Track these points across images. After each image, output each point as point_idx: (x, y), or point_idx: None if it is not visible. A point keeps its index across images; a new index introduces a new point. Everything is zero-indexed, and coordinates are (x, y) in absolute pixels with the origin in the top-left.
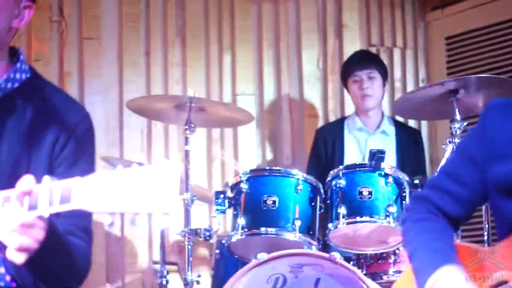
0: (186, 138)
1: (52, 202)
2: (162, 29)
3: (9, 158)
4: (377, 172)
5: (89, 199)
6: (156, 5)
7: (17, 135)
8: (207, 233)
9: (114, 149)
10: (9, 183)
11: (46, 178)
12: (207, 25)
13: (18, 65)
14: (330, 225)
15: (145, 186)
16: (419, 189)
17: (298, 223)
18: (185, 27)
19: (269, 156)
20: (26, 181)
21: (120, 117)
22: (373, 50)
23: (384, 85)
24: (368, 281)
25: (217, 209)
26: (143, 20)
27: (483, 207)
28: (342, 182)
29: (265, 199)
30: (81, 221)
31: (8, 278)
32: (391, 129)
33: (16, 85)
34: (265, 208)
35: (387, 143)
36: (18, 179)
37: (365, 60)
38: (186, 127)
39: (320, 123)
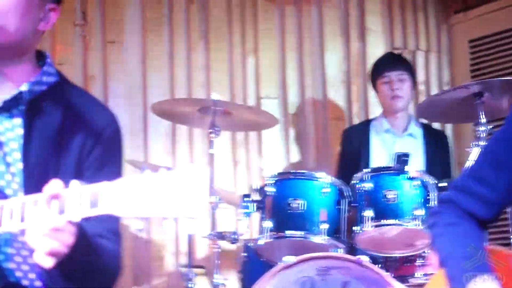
0: (211, 142)
1: (81, 207)
2: (186, 32)
3: (38, 162)
4: (403, 175)
5: (117, 204)
6: (179, 9)
7: (46, 139)
8: (234, 236)
9: (139, 153)
10: (38, 187)
11: (74, 182)
12: (230, 28)
13: (45, 68)
14: (356, 228)
15: (173, 190)
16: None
17: (324, 226)
18: (209, 30)
19: (294, 159)
20: (54, 185)
21: (144, 120)
22: (395, 52)
23: (412, 88)
24: (396, 283)
25: (244, 212)
26: (166, 23)
27: (509, 210)
28: (368, 185)
29: (291, 202)
30: (110, 223)
31: (39, 283)
32: (418, 132)
33: (44, 88)
34: (291, 211)
35: (415, 146)
36: (47, 183)
37: (396, 61)
38: (211, 130)
39: (345, 125)
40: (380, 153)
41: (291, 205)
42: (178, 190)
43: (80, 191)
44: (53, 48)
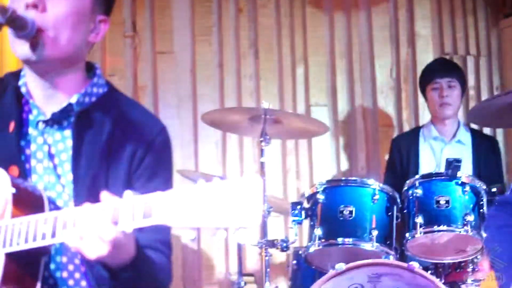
0: (262, 150)
1: (135, 217)
2: (235, 41)
3: (88, 173)
4: (454, 181)
5: (171, 214)
6: (228, 18)
7: (96, 150)
8: (284, 244)
9: (189, 162)
10: (89, 197)
11: (128, 193)
12: (279, 37)
13: (95, 79)
14: (407, 234)
15: (227, 200)
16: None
17: (375, 233)
18: (258, 39)
19: (344, 166)
20: (108, 196)
21: (194, 130)
22: (446, 58)
23: (462, 95)
24: None
25: (294, 220)
26: (216, 33)
27: None
28: (419, 192)
29: (341, 209)
30: (162, 234)
31: None
32: (467, 138)
33: (94, 99)
34: (341, 218)
35: (463, 152)
36: (98, 194)
37: (446, 68)
38: (261, 139)
39: (395, 132)
40: (429, 160)
41: (341, 212)
42: (233, 199)
43: (133, 201)
44: (103, 60)
